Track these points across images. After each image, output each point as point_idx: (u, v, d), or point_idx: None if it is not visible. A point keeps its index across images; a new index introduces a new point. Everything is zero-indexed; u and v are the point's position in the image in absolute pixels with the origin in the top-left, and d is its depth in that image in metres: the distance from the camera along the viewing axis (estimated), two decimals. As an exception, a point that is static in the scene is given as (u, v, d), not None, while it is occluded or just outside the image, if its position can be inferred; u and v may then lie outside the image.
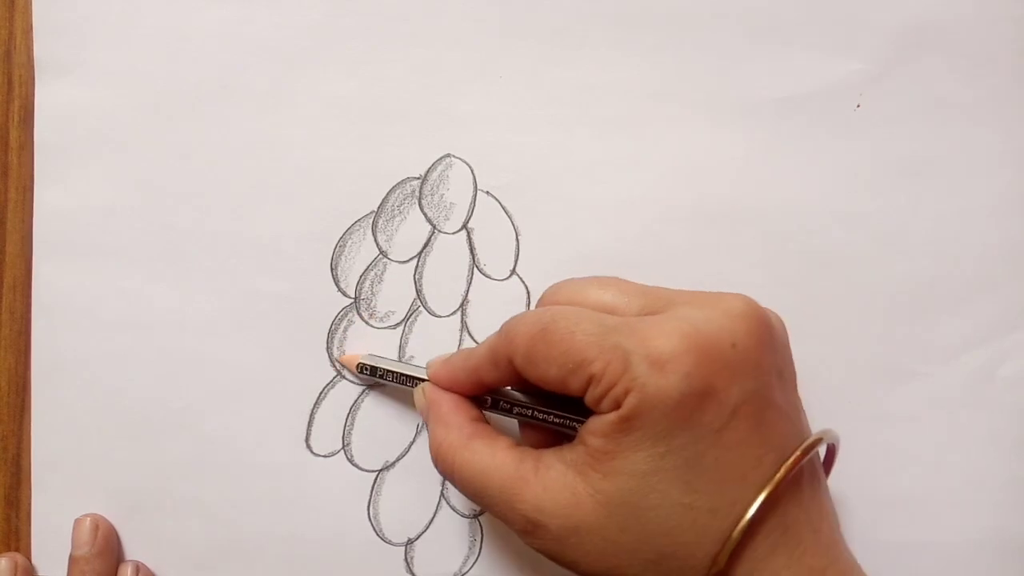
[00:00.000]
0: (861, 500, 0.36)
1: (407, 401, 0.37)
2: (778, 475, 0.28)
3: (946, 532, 0.36)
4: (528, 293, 0.37)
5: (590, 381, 0.28)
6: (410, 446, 0.37)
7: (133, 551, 0.37)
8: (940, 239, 0.37)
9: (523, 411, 0.32)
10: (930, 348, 0.37)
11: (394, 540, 0.37)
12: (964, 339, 0.37)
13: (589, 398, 0.28)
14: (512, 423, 0.33)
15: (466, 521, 0.37)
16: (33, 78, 0.37)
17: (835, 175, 0.37)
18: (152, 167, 0.37)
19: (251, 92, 0.37)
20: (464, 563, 0.37)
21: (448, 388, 0.33)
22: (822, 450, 0.31)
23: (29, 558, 0.37)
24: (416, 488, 0.37)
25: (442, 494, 0.37)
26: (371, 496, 0.37)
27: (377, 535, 0.37)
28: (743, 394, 0.28)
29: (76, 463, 0.37)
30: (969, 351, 0.37)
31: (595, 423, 0.28)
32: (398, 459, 0.37)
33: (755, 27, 0.37)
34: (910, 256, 0.37)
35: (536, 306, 0.33)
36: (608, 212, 0.37)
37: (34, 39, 0.36)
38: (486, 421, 0.33)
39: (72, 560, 0.36)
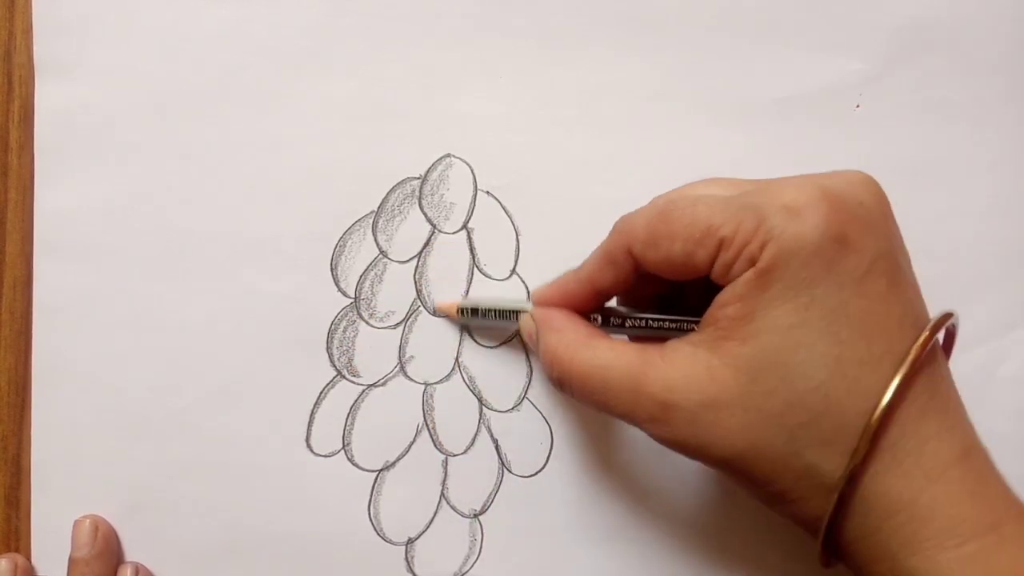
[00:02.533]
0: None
1: (407, 401, 0.37)
2: (924, 335, 0.27)
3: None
4: (528, 293, 0.37)
5: (720, 247, 0.27)
6: (410, 446, 0.37)
7: (133, 551, 0.37)
8: (939, 239, 0.37)
9: (636, 322, 0.31)
10: (930, 348, 0.37)
11: (394, 540, 0.37)
12: (963, 339, 0.37)
13: (719, 266, 0.27)
14: None
15: (466, 521, 0.37)
16: (33, 78, 0.37)
17: (835, 175, 0.37)
18: (152, 167, 0.37)
19: (251, 92, 0.37)
20: (464, 563, 0.37)
21: (560, 306, 0.32)
22: (941, 335, 0.30)
23: (29, 558, 0.36)
24: (416, 488, 0.37)
25: (442, 494, 0.37)
26: (371, 496, 0.37)
27: (377, 535, 0.37)
28: (877, 249, 0.27)
29: (76, 463, 0.37)
30: (968, 351, 0.37)
31: (726, 293, 0.27)
32: (398, 459, 0.37)
33: (755, 27, 0.37)
34: (910, 256, 0.37)
35: None
36: (608, 212, 0.37)
37: (34, 39, 0.36)
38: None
39: (72, 561, 0.36)
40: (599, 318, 0.32)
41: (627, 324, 0.31)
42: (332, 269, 0.37)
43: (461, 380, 0.37)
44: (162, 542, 0.37)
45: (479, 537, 0.37)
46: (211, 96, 0.37)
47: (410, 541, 0.37)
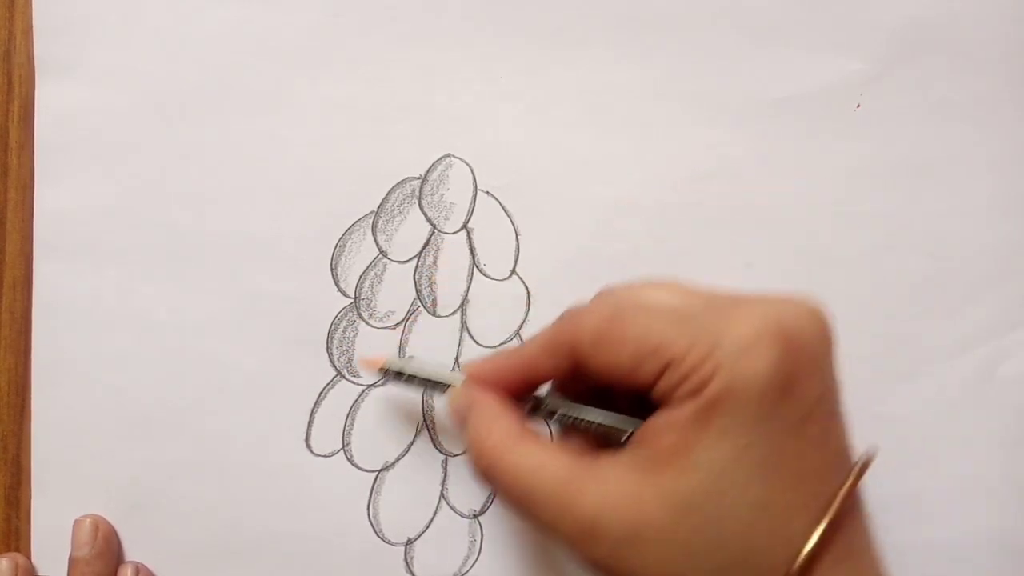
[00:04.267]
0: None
1: (407, 401, 0.37)
2: (848, 482, 0.26)
3: (946, 532, 0.36)
4: (528, 293, 0.37)
5: (668, 366, 0.26)
6: (410, 446, 0.37)
7: (133, 551, 0.37)
8: (940, 239, 0.37)
9: (567, 414, 0.30)
10: (930, 348, 0.37)
11: (394, 540, 0.37)
12: (964, 338, 0.37)
13: (662, 386, 0.27)
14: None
15: (466, 521, 0.37)
16: (33, 78, 0.37)
17: (835, 175, 0.37)
18: (152, 167, 0.37)
19: (251, 92, 0.37)
20: (464, 563, 0.37)
21: (492, 386, 0.31)
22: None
23: (29, 558, 0.36)
24: (416, 488, 0.37)
25: (442, 494, 0.37)
26: (371, 496, 0.37)
27: (377, 535, 0.37)
28: (821, 391, 0.27)
29: (76, 463, 0.37)
30: (969, 350, 0.37)
31: (665, 417, 0.27)
32: (398, 459, 0.37)
33: (755, 27, 0.37)
34: (910, 256, 0.37)
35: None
36: (608, 212, 0.37)
37: (34, 39, 0.36)
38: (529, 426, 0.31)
39: (72, 561, 0.36)
40: (530, 403, 0.31)
41: (558, 415, 0.30)
42: (332, 269, 0.37)
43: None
44: (162, 542, 0.37)
45: (479, 537, 0.37)
46: (211, 96, 0.37)
47: (409, 541, 0.37)
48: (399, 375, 0.34)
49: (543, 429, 0.35)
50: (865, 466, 0.27)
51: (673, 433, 0.26)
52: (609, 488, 0.27)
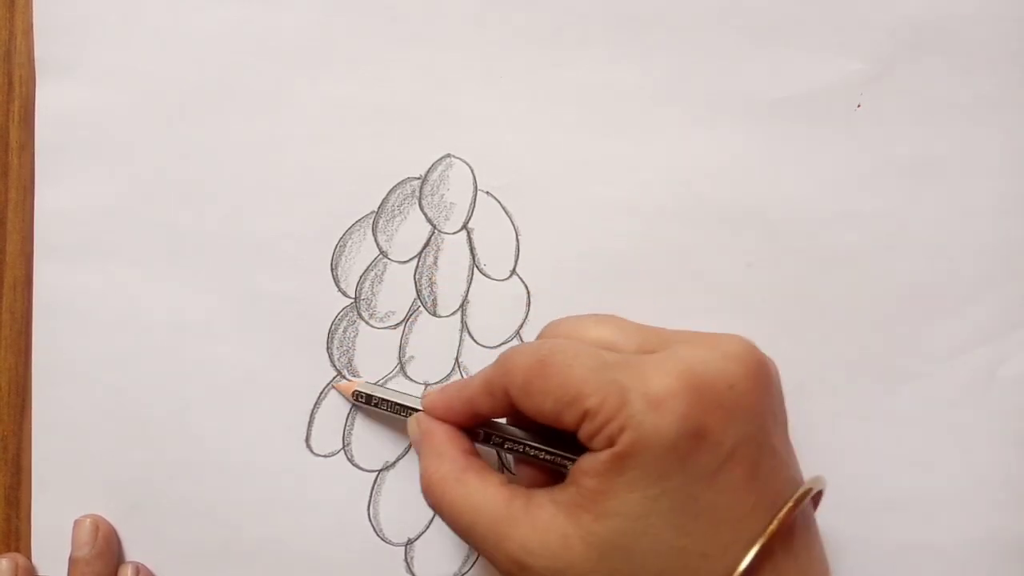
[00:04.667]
0: (861, 501, 0.36)
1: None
2: (771, 527, 0.27)
3: (946, 532, 0.36)
4: (528, 293, 0.37)
5: (585, 416, 0.28)
6: (410, 446, 0.37)
7: (133, 551, 0.37)
8: (940, 239, 0.37)
9: (515, 446, 0.32)
10: (930, 348, 0.37)
11: (394, 540, 0.37)
12: (964, 339, 0.37)
13: (583, 434, 0.28)
14: (508, 456, 0.33)
15: (466, 521, 0.37)
16: (33, 78, 0.37)
17: (835, 175, 0.37)
18: (152, 167, 0.37)
19: (251, 92, 0.37)
20: (464, 563, 0.37)
21: (442, 418, 0.33)
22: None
23: (29, 558, 0.37)
24: (416, 488, 0.37)
25: (442, 494, 0.37)
26: (371, 496, 0.37)
27: (377, 535, 0.37)
28: (739, 437, 0.27)
29: (76, 463, 0.37)
30: (969, 351, 0.37)
31: (587, 461, 0.28)
32: (398, 459, 0.37)
33: (755, 27, 0.37)
34: (910, 256, 0.37)
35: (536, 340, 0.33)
36: (608, 212, 0.37)
37: (34, 39, 0.36)
38: (478, 455, 0.32)
39: (72, 561, 0.36)
40: (481, 433, 0.32)
41: (506, 446, 0.32)
42: (332, 269, 0.37)
43: (457, 380, 0.37)
44: (162, 542, 0.37)
45: (479, 537, 0.37)
46: (211, 96, 0.37)
47: (410, 542, 0.37)
48: (369, 400, 0.35)
49: (495, 457, 0.36)
50: (794, 507, 0.28)
51: (594, 478, 0.28)
52: (539, 528, 0.28)
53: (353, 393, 0.36)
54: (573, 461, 0.29)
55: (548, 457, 0.31)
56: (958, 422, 0.37)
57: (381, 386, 0.37)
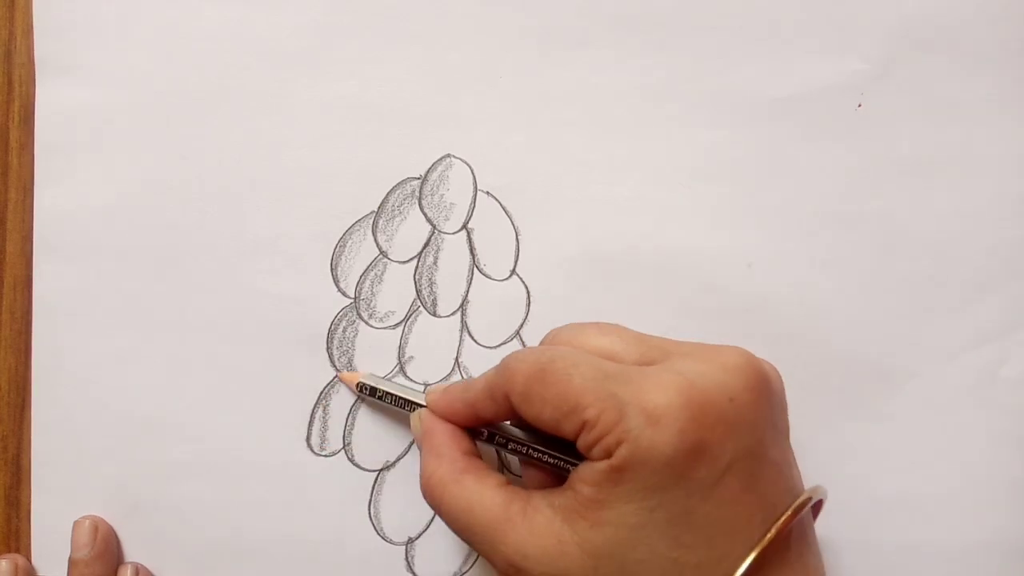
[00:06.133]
0: (862, 501, 0.36)
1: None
2: (767, 537, 0.27)
3: (947, 533, 0.36)
4: (528, 293, 0.37)
5: (583, 427, 0.28)
6: (410, 446, 0.37)
7: (133, 551, 0.37)
8: (941, 239, 0.37)
9: (518, 448, 0.32)
10: (931, 348, 0.37)
11: (395, 539, 0.37)
12: (965, 339, 0.37)
13: (581, 444, 0.28)
14: (509, 456, 0.33)
15: (466, 521, 0.37)
16: (33, 78, 0.37)
17: (835, 175, 0.37)
18: (152, 167, 0.37)
19: (251, 92, 0.37)
20: (464, 562, 0.37)
21: (445, 417, 0.33)
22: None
23: (29, 558, 0.37)
24: (416, 488, 0.37)
25: (442, 494, 0.37)
26: (371, 496, 0.37)
27: (378, 534, 0.37)
28: (737, 451, 0.27)
29: (76, 463, 0.37)
30: (970, 351, 0.37)
31: (586, 470, 0.28)
32: (398, 459, 0.37)
33: (755, 27, 0.37)
34: (910, 256, 0.37)
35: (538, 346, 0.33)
36: (608, 212, 0.37)
37: (34, 39, 0.36)
38: (479, 455, 0.32)
39: (71, 563, 0.36)
40: (485, 433, 0.32)
41: (509, 447, 0.32)
42: (332, 269, 0.37)
43: (461, 380, 0.37)
44: (162, 542, 0.37)
45: (479, 537, 0.37)
46: (211, 96, 0.37)
47: (410, 541, 0.37)
48: (373, 392, 0.35)
49: (498, 457, 0.36)
50: (797, 510, 0.28)
51: (591, 487, 0.28)
52: (535, 532, 0.28)
53: (357, 384, 0.36)
54: (575, 465, 0.29)
55: (551, 460, 0.31)
56: (959, 423, 0.37)
57: (386, 379, 0.37)
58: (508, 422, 0.32)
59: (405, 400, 0.35)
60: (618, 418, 0.27)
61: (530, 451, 0.31)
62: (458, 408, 0.32)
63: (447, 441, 0.32)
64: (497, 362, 0.31)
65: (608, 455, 0.27)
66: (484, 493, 0.30)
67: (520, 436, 0.32)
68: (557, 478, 0.31)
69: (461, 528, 0.30)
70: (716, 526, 0.27)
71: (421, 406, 0.34)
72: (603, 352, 0.30)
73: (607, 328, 0.31)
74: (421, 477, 0.32)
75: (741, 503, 0.27)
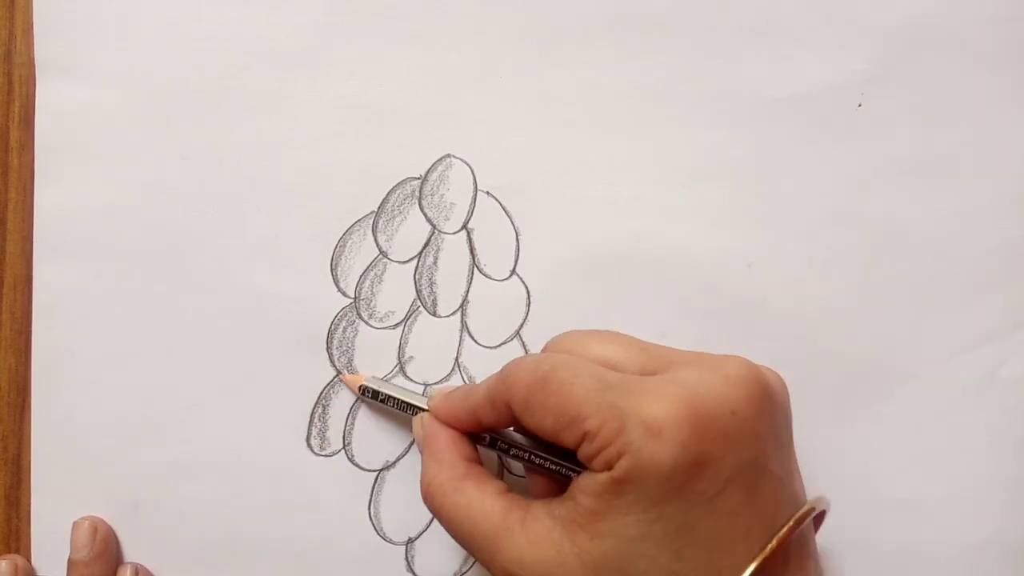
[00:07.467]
0: (861, 502, 0.36)
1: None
2: (766, 550, 0.27)
3: (947, 534, 0.36)
4: (528, 293, 0.37)
5: (584, 437, 0.28)
6: (411, 446, 0.37)
7: (132, 551, 0.37)
8: (941, 239, 0.37)
9: (520, 454, 0.32)
10: (931, 349, 0.37)
11: (395, 539, 0.37)
12: (965, 339, 0.37)
13: (582, 454, 0.28)
14: (510, 462, 0.33)
15: (466, 521, 0.37)
16: (33, 78, 0.37)
17: (836, 175, 0.37)
18: (152, 167, 0.37)
19: (251, 92, 0.37)
20: (465, 562, 0.37)
21: (446, 423, 0.33)
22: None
23: (29, 559, 0.37)
24: (416, 487, 0.37)
25: (442, 494, 0.37)
26: (372, 496, 0.37)
27: (378, 534, 0.37)
28: (738, 463, 0.27)
29: (76, 463, 0.37)
30: (970, 352, 0.37)
31: (586, 480, 0.28)
32: (398, 459, 0.37)
33: (755, 27, 0.37)
34: (910, 256, 0.37)
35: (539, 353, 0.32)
36: (608, 212, 0.37)
37: (34, 39, 0.36)
38: (480, 461, 0.32)
39: (71, 563, 0.36)
40: (487, 438, 0.32)
41: (511, 453, 0.32)
42: (332, 269, 0.37)
43: (461, 380, 0.37)
44: (162, 542, 0.37)
45: (479, 537, 0.37)
46: (211, 96, 0.37)
47: (410, 541, 0.37)
48: (376, 395, 0.35)
49: (499, 462, 0.36)
50: (798, 522, 0.28)
51: (591, 497, 0.28)
52: (534, 542, 0.28)
53: (360, 387, 0.36)
54: (578, 472, 0.29)
55: (553, 466, 0.31)
56: (959, 423, 0.37)
57: (388, 382, 0.37)
58: (511, 429, 0.32)
59: (407, 404, 0.35)
60: (619, 429, 0.27)
61: (532, 457, 0.31)
62: (460, 414, 0.32)
63: (448, 446, 0.32)
64: (497, 362, 0.31)
65: (609, 467, 0.27)
66: (484, 500, 0.30)
67: (522, 442, 0.32)
68: (562, 487, 0.31)
69: (460, 535, 0.30)
70: (716, 539, 0.27)
71: (423, 410, 0.34)
72: (605, 361, 0.30)
73: (608, 336, 0.31)
74: (422, 482, 0.32)
75: (741, 515, 0.27)
